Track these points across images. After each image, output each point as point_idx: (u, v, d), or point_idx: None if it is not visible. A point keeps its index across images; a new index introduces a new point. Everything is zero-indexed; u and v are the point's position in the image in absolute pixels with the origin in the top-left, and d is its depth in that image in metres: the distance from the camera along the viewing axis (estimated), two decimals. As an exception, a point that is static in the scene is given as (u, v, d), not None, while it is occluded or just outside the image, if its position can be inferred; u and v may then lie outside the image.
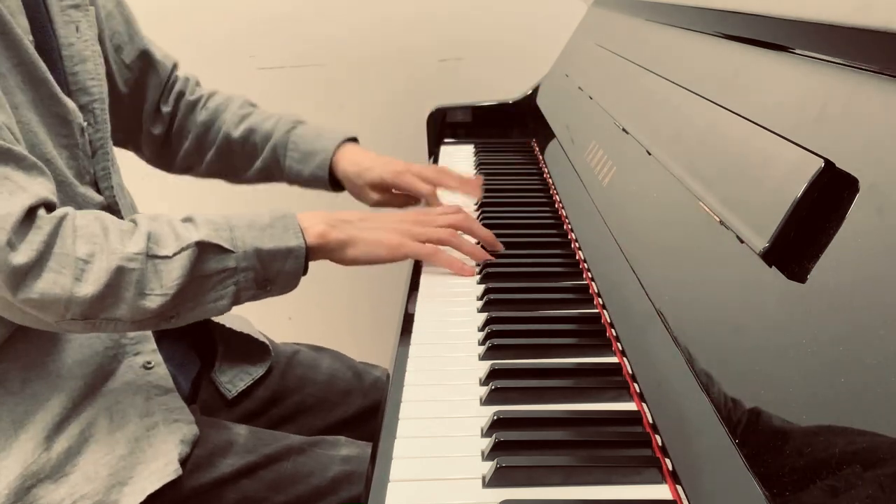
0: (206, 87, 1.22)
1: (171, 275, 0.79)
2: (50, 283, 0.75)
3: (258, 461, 0.91)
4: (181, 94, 1.18)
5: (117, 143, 1.12)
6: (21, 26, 0.83)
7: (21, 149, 0.78)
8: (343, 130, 1.17)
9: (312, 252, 0.88)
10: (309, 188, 1.19)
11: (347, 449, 0.95)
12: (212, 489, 0.89)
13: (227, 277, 0.83)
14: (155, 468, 0.85)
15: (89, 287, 0.76)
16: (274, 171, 1.18)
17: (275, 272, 0.85)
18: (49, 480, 0.82)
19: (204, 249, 0.81)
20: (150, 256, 0.79)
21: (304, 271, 0.87)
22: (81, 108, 0.91)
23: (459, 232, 0.97)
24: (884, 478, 0.37)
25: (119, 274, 0.77)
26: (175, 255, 0.80)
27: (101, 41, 1.02)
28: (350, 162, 1.14)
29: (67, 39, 0.91)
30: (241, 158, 1.18)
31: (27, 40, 0.84)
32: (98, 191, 0.93)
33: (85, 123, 0.91)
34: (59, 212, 0.78)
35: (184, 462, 0.87)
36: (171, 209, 0.94)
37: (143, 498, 0.83)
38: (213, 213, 0.86)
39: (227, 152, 1.18)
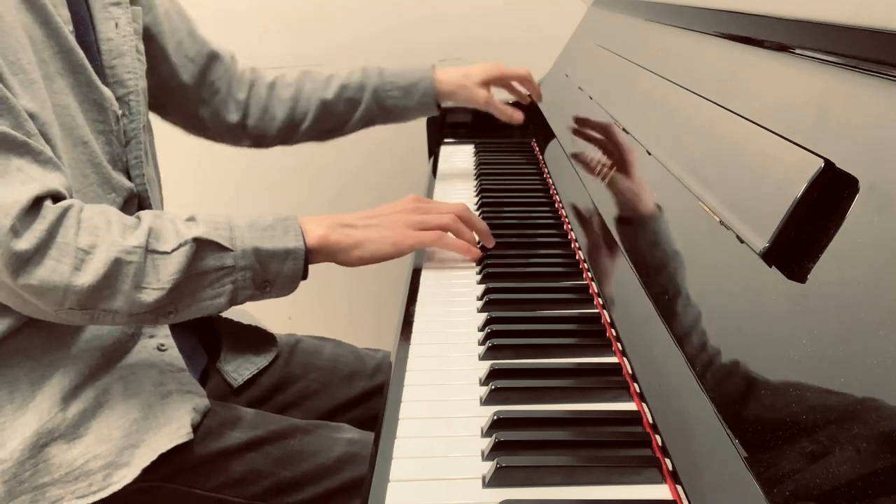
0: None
1: (167, 269, 0.81)
2: (49, 270, 0.77)
3: (265, 436, 0.92)
4: (253, 82, 1.26)
5: (188, 130, 1.23)
6: (62, 16, 0.87)
7: (40, 144, 0.80)
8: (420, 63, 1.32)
9: (313, 254, 0.88)
10: (409, 119, 1.34)
11: (351, 433, 0.96)
12: (219, 459, 0.90)
13: (224, 275, 0.83)
14: (167, 432, 0.87)
15: (87, 277, 0.78)
16: (376, 116, 1.30)
17: (273, 273, 0.85)
18: (63, 440, 0.84)
19: (202, 246, 0.82)
20: (150, 251, 0.80)
21: (305, 275, 0.88)
22: (118, 99, 0.95)
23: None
24: (884, 477, 0.37)
25: (117, 265, 0.79)
26: (174, 250, 0.81)
27: (160, 37, 1.10)
28: (449, 75, 1.31)
29: (106, 35, 0.95)
30: (339, 117, 1.29)
31: (67, 30, 0.87)
32: (129, 178, 0.96)
33: (120, 112, 0.94)
34: (65, 202, 0.79)
35: (194, 430, 0.89)
36: (198, 207, 0.97)
37: (154, 457, 0.85)
38: (218, 213, 0.87)
39: (323, 116, 1.28)
